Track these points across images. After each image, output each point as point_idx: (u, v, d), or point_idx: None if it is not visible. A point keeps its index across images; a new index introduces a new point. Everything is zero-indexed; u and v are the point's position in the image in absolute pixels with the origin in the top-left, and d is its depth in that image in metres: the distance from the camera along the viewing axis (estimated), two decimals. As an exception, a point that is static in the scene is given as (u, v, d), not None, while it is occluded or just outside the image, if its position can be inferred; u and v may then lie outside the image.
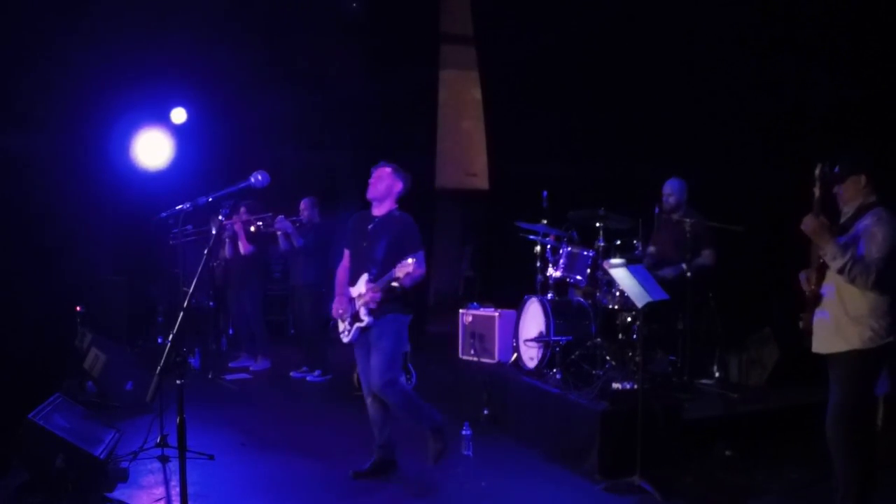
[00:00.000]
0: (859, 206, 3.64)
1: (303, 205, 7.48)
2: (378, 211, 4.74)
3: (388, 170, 4.73)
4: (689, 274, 5.65)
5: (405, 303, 4.63)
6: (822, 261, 3.62)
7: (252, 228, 7.52)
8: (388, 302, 4.56)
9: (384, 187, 4.70)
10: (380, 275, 4.52)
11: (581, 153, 7.93)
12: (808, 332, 3.78)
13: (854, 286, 3.52)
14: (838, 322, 3.62)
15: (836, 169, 3.70)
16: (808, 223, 3.57)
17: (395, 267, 4.36)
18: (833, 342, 3.64)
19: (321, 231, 7.37)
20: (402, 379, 4.81)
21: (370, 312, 4.55)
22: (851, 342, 3.58)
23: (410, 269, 4.32)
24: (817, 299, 3.69)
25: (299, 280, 7.52)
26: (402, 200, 4.78)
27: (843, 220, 3.71)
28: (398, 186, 4.72)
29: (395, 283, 4.44)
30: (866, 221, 3.58)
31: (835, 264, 3.51)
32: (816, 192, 3.58)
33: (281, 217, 7.39)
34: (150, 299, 8.84)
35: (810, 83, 6.28)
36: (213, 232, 4.20)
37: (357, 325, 4.61)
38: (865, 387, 3.66)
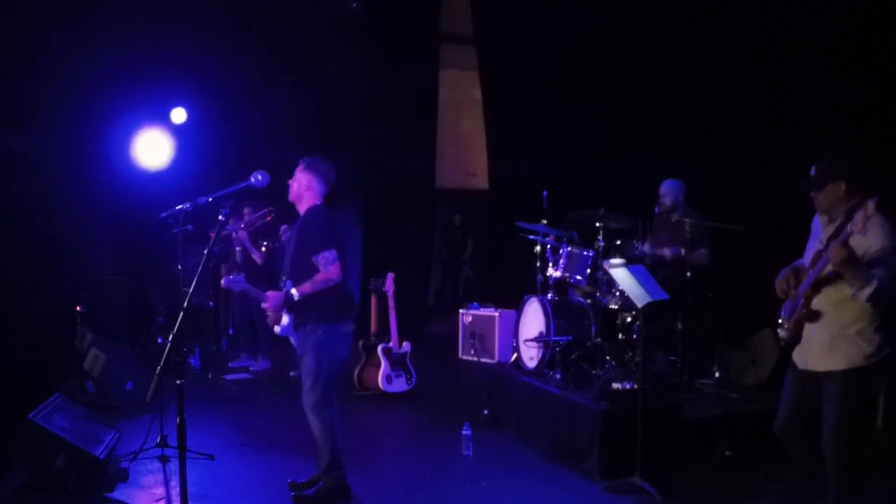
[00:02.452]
0: (848, 210, 3.46)
1: None
2: (301, 213, 4.40)
3: (300, 166, 4.38)
4: (688, 274, 5.65)
5: (322, 310, 4.18)
6: (823, 275, 3.48)
7: (262, 248, 7.55)
8: (298, 312, 4.20)
9: (296, 186, 4.36)
10: (294, 285, 4.18)
11: (581, 153, 7.93)
12: (790, 342, 3.70)
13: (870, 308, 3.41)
14: (834, 338, 3.53)
15: (812, 172, 3.56)
16: (838, 254, 3.30)
17: (304, 275, 4.13)
18: (831, 360, 3.55)
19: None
20: (331, 407, 4.26)
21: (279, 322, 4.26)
22: (853, 360, 3.50)
23: (307, 288, 4.09)
24: (815, 316, 3.56)
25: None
26: (335, 196, 4.42)
27: (827, 227, 3.55)
28: (305, 180, 4.33)
29: (293, 294, 4.13)
30: (866, 231, 3.37)
31: (863, 294, 3.33)
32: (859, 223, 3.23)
33: (284, 227, 7.40)
34: (150, 299, 8.83)
35: (811, 83, 6.28)
36: (213, 234, 4.20)
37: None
38: (864, 401, 3.63)
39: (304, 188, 4.34)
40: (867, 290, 3.32)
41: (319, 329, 4.19)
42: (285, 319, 4.26)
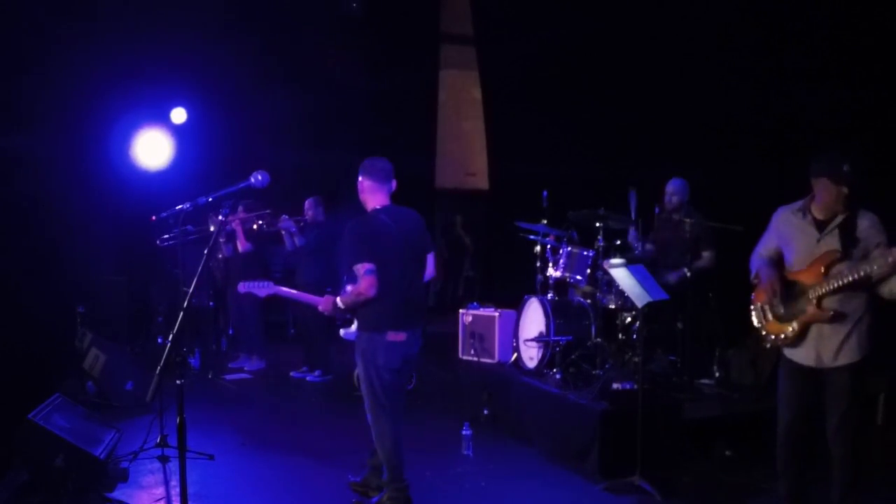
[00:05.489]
0: (846, 208, 3.56)
1: (307, 204, 7.49)
2: None
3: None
4: (688, 274, 5.65)
5: (365, 316, 4.10)
6: (857, 279, 3.48)
7: (254, 227, 7.52)
8: (356, 316, 4.18)
9: (358, 190, 4.22)
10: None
11: (581, 153, 7.93)
12: (793, 343, 3.70)
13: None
14: (849, 334, 3.58)
15: (847, 167, 3.55)
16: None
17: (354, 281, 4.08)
18: (844, 354, 3.59)
19: (324, 230, 7.36)
20: (385, 416, 4.11)
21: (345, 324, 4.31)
22: (860, 353, 3.59)
23: (346, 298, 4.05)
24: (833, 316, 3.55)
25: (303, 279, 7.51)
26: (393, 195, 4.22)
27: (808, 226, 3.64)
28: (360, 184, 4.17)
29: (338, 302, 4.10)
30: (868, 227, 3.54)
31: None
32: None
33: (284, 216, 7.40)
34: (150, 299, 8.84)
35: (811, 83, 6.28)
36: (213, 232, 4.20)
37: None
38: (864, 392, 3.69)
39: (361, 192, 4.19)
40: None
41: (364, 335, 4.11)
42: (354, 326, 4.23)
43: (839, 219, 3.58)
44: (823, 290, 3.55)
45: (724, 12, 6.62)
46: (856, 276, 3.45)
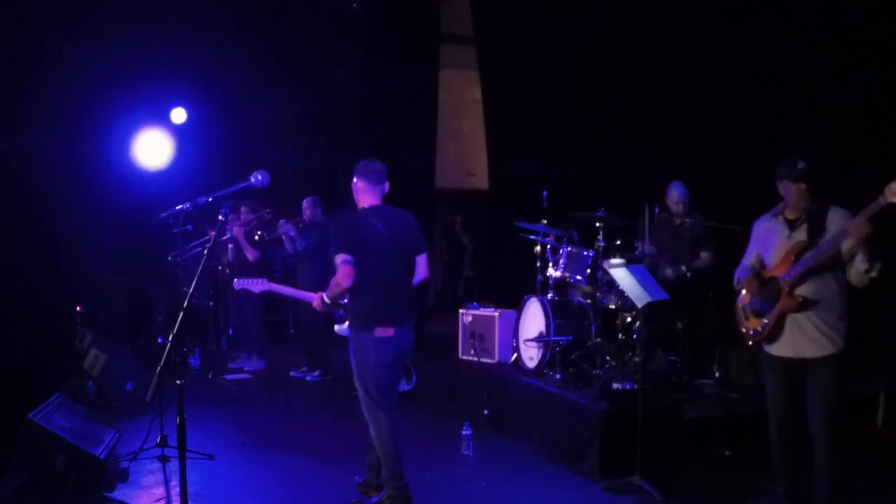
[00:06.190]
0: (814, 211, 3.63)
1: (305, 204, 7.49)
2: None
3: None
4: (688, 274, 5.65)
5: (353, 315, 4.16)
6: (817, 263, 3.55)
7: (255, 237, 7.53)
8: (349, 314, 4.21)
9: (353, 190, 4.31)
10: None
11: (581, 153, 7.93)
12: (770, 336, 3.73)
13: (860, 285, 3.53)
14: (824, 323, 3.61)
15: (803, 164, 3.65)
16: (864, 228, 3.36)
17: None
18: (822, 345, 3.62)
19: (323, 231, 7.36)
20: (382, 414, 4.14)
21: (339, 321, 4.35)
22: (838, 343, 3.61)
23: (329, 291, 4.08)
24: (805, 305, 3.60)
25: (304, 280, 7.51)
26: (393, 195, 4.32)
27: (793, 216, 3.71)
28: (353, 181, 4.27)
29: (324, 297, 4.15)
30: (837, 217, 3.59)
31: (875, 268, 3.46)
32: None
33: (283, 221, 7.39)
34: (150, 299, 8.85)
35: (811, 83, 6.28)
36: (212, 233, 4.19)
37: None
38: (847, 385, 3.73)
39: (355, 192, 4.29)
40: (878, 266, 3.45)
41: (355, 335, 4.17)
42: (347, 323, 4.25)
43: (807, 214, 3.67)
44: (792, 277, 3.61)
45: (724, 12, 6.62)
46: (820, 255, 3.53)
